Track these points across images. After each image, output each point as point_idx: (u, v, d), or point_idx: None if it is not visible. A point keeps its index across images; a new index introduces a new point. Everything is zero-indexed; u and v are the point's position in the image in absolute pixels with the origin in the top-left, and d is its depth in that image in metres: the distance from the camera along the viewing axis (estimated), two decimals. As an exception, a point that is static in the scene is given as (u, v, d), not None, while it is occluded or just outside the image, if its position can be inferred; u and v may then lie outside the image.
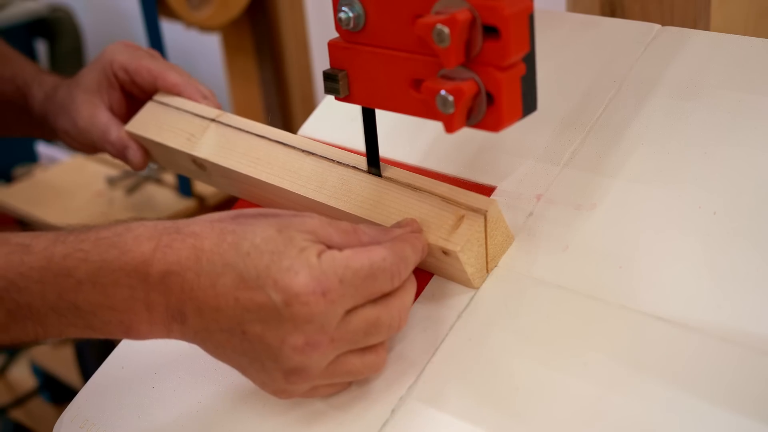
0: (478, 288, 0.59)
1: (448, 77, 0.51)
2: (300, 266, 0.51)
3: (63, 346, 1.65)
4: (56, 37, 2.19)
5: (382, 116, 0.61)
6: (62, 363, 1.63)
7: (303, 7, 1.73)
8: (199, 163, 0.72)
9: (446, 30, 0.48)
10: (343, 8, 0.55)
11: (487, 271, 0.59)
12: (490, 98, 0.50)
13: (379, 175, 0.63)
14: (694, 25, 0.78)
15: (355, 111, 0.62)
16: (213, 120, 0.73)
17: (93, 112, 0.78)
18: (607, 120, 0.64)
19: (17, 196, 1.85)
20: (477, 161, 0.66)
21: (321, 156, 0.65)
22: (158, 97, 0.77)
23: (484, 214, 0.57)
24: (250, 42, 1.76)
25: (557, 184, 0.62)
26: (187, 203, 1.75)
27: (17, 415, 1.72)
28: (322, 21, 1.76)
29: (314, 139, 0.70)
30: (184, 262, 0.52)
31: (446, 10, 0.49)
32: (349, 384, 0.57)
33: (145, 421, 0.61)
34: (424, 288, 0.61)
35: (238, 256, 0.51)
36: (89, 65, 0.81)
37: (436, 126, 0.53)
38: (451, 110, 0.50)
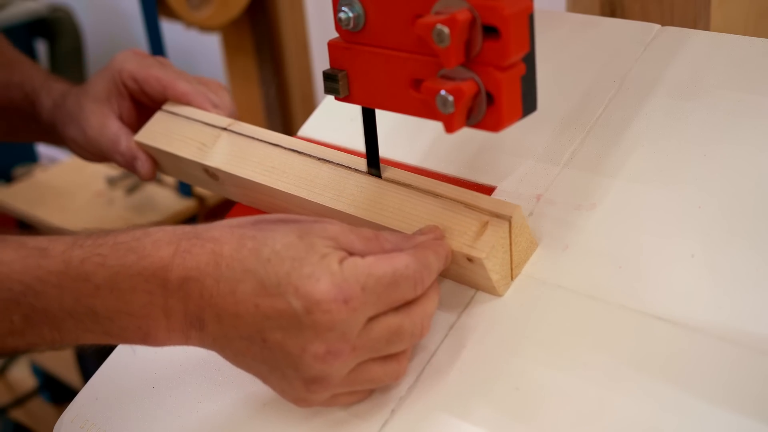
0: (502, 295, 0.58)
1: (448, 77, 0.51)
2: (321, 273, 0.50)
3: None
4: (56, 37, 2.18)
5: (382, 116, 0.61)
6: (62, 363, 1.63)
7: (303, 7, 1.73)
8: (212, 173, 0.71)
9: (446, 30, 0.48)
10: (343, 8, 0.55)
11: (512, 278, 0.59)
12: (490, 98, 0.50)
13: (378, 175, 0.63)
14: (694, 25, 0.78)
15: (355, 111, 0.62)
16: (224, 129, 0.72)
17: (102, 121, 0.78)
18: (607, 120, 0.64)
19: (17, 196, 1.85)
20: (477, 161, 0.66)
21: (337, 164, 0.65)
22: (168, 107, 0.76)
23: (508, 219, 0.56)
24: (250, 42, 1.76)
25: (557, 184, 0.62)
26: (187, 203, 1.75)
27: (17, 415, 1.71)
28: (322, 21, 1.76)
29: (328, 145, 0.70)
30: (204, 267, 0.51)
31: (446, 10, 0.49)
32: (371, 392, 0.56)
33: (145, 421, 0.61)
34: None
35: (258, 263, 0.51)
36: (98, 74, 0.80)
37: (436, 126, 0.53)
38: (451, 110, 0.50)
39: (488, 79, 0.49)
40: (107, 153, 0.78)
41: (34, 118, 0.85)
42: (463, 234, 0.56)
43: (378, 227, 0.59)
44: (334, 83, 0.58)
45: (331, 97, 0.60)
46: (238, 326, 0.51)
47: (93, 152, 0.80)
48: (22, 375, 1.76)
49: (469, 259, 0.56)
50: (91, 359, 1.49)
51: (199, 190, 1.79)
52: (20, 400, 1.70)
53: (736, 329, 0.51)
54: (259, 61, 1.76)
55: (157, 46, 1.59)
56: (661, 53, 0.66)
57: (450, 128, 0.51)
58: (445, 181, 0.63)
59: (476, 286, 0.59)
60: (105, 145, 0.77)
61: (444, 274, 0.59)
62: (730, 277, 0.53)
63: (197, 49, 2.00)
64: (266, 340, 0.51)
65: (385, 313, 0.52)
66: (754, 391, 0.49)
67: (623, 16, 0.83)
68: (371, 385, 0.54)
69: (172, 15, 1.64)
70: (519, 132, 0.61)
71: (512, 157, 0.65)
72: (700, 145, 0.60)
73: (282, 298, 0.50)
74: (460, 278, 0.59)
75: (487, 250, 0.55)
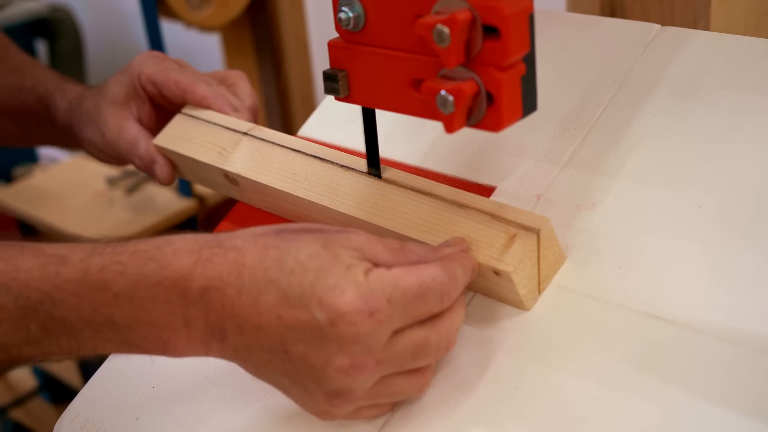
0: (529, 310, 0.57)
1: (448, 77, 0.51)
2: (346, 284, 0.49)
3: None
4: (56, 37, 2.19)
5: (382, 116, 0.61)
6: (62, 363, 1.63)
7: (303, 7, 1.73)
8: (232, 178, 0.69)
9: (446, 30, 0.48)
10: (343, 8, 0.55)
11: (539, 292, 0.57)
12: (490, 98, 0.50)
13: (378, 176, 0.63)
14: (694, 25, 0.78)
15: (355, 111, 0.62)
16: (245, 133, 0.70)
17: (121, 124, 0.76)
18: (607, 120, 0.64)
19: (17, 196, 1.85)
20: (477, 161, 0.66)
21: (360, 171, 0.63)
22: (187, 110, 0.75)
23: (536, 232, 0.55)
24: (250, 42, 1.76)
25: (557, 184, 0.62)
26: (187, 203, 1.75)
27: (17, 415, 1.72)
28: (322, 21, 1.76)
29: (329, 145, 0.70)
30: (225, 277, 0.50)
31: (446, 10, 0.49)
32: (393, 405, 0.55)
33: (145, 421, 0.61)
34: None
35: (281, 273, 0.50)
36: (116, 76, 0.79)
37: (436, 126, 0.53)
38: (451, 110, 0.50)
39: (488, 79, 0.49)
40: (126, 156, 0.76)
41: (48, 122, 0.84)
42: (490, 246, 0.55)
43: (403, 237, 0.58)
44: (334, 83, 0.58)
45: (331, 97, 0.60)
46: (260, 338, 0.50)
47: (111, 155, 0.78)
48: (22, 375, 1.76)
49: (496, 273, 0.55)
50: (91, 359, 1.49)
51: (199, 190, 1.79)
52: (20, 400, 1.70)
53: (736, 329, 0.51)
54: (259, 61, 1.76)
55: (157, 46, 1.59)
56: (661, 53, 0.66)
57: (450, 128, 0.51)
58: (445, 182, 0.63)
59: (502, 300, 0.57)
60: (124, 148, 0.76)
61: (469, 287, 0.57)
62: (730, 277, 0.53)
63: (197, 49, 2.00)
64: (288, 352, 0.49)
65: (410, 326, 0.51)
66: (755, 392, 0.49)
67: (623, 16, 0.83)
68: (395, 398, 0.53)
69: (172, 15, 1.64)
70: (519, 132, 0.61)
71: (512, 157, 0.65)
72: (700, 145, 0.60)
73: (305, 310, 0.49)
74: (485, 291, 0.58)
75: (515, 264, 0.54)
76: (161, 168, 0.75)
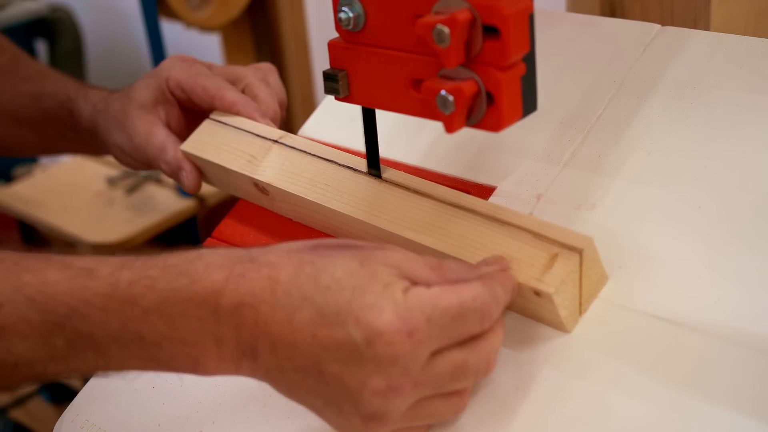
0: (570, 332, 0.55)
1: (448, 77, 0.51)
2: (385, 303, 0.47)
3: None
4: (56, 37, 2.19)
5: (382, 116, 0.61)
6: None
7: (303, 7, 1.73)
8: (261, 188, 0.68)
9: (446, 30, 0.48)
10: (343, 8, 0.55)
11: (581, 313, 0.55)
12: (490, 98, 0.50)
13: (378, 176, 0.63)
14: (694, 25, 0.78)
15: (355, 111, 0.62)
16: (276, 141, 0.68)
17: (149, 129, 0.75)
18: (607, 120, 0.64)
19: (17, 196, 1.85)
20: (477, 161, 0.66)
21: (396, 183, 0.61)
22: (215, 115, 0.73)
23: (579, 252, 0.53)
24: (250, 42, 1.76)
25: (557, 184, 0.62)
26: (187, 203, 1.75)
27: (17, 415, 1.72)
28: (322, 21, 1.77)
29: (330, 145, 0.70)
30: (259, 293, 0.48)
31: (446, 10, 0.49)
32: (428, 427, 0.53)
33: (145, 421, 0.61)
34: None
35: (317, 290, 0.48)
36: (144, 80, 0.77)
37: (436, 126, 0.53)
38: (451, 110, 0.50)
39: (488, 79, 0.49)
40: (153, 161, 0.75)
41: (71, 127, 0.83)
42: (531, 266, 0.53)
43: (442, 255, 0.56)
44: (334, 83, 0.58)
45: (331, 97, 0.60)
46: (293, 357, 0.48)
47: (139, 160, 0.77)
48: (22, 375, 1.76)
49: (537, 294, 0.53)
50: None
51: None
52: (20, 400, 1.70)
53: (736, 329, 0.51)
54: (259, 61, 1.76)
55: (157, 46, 1.59)
56: (661, 53, 0.66)
57: (450, 128, 0.51)
58: (445, 182, 0.63)
59: (542, 321, 0.55)
60: (151, 153, 0.75)
61: (507, 307, 0.55)
62: (730, 277, 0.53)
63: (197, 49, 2.00)
64: (323, 372, 0.48)
65: (449, 347, 0.49)
66: (755, 392, 0.49)
67: (623, 16, 0.83)
68: (431, 420, 0.52)
69: (172, 15, 1.64)
70: (519, 132, 0.61)
71: (512, 157, 0.65)
72: (700, 145, 0.60)
73: (342, 329, 0.47)
74: (524, 311, 0.56)
75: (557, 285, 0.52)
76: (188, 175, 0.73)
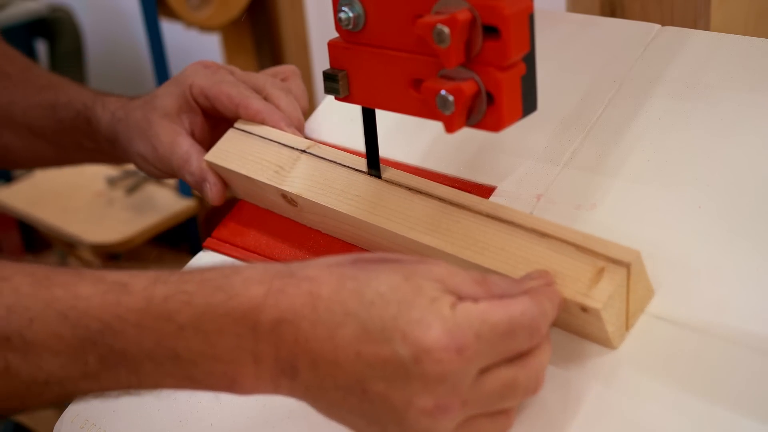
0: (617, 348, 0.53)
1: (448, 77, 0.51)
2: (432, 318, 0.45)
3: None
4: (56, 37, 2.19)
5: (382, 116, 0.61)
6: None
7: (303, 7, 1.73)
8: (290, 199, 0.66)
9: (446, 30, 0.48)
10: (343, 8, 0.55)
11: (627, 329, 0.53)
12: (490, 98, 0.50)
13: (378, 176, 0.63)
14: (694, 25, 0.78)
15: (355, 111, 0.62)
16: (303, 151, 0.67)
17: (174, 139, 0.73)
18: (607, 120, 0.64)
19: (17, 196, 1.85)
20: (477, 161, 0.66)
21: (429, 194, 0.60)
22: (240, 125, 0.72)
23: (627, 266, 0.51)
24: (250, 42, 1.76)
25: (557, 184, 0.62)
26: (187, 203, 1.75)
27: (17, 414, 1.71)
28: (322, 21, 1.77)
29: (330, 145, 0.70)
30: (299, 309, 0.47)
31: (446, 10, 0.49)
32: None
33: (145, 421, 0.61)
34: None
35: (360, 305, 0.46)
36: (166, 87, 0.76)
37: (436, 126, 0.53)
38: (451, 110, 0.50)
39: (488, 79, 0.49)
40: (177, 172, 0.74)
41: (89, 137, 0.81)
42: (576, 281, 0.51)
43: (482, 270, 0.54)
44: (334, 83, 0.58)
45: (331, 97, 0.60)
46: (335, 375, 0.46)
47: (162, 169, 0.76)
48: (22, 375, 1.76)
49: (583, 309, 0.51)
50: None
51: (199, 190, 1.78)
52: (20, 400, 1.70)
53: (736, 329, 0.51)
54: (259, 61, 1.76)
55: (157, 46, 1.59)
56: (661, 53, 0.66)
57: (450, 128, 0.51)
58: (445, 182, 0.63)
59: (587, 337, 0.54)
60: (176, 164, 0.73)
61: (553, 324, 0.53)
62: (730, 277, 0.53)
63: (197, 49, 2.00)
64: (367, 391, 0.46)
65: (498, 364, 0.47)
66: (755, 392, 0.49)
67: (623, 16, 0.83)
68: None
69: (172, 15, 1.64)
70: (519, 132, 0.61)
71: (512, 157, 0.65)
72: (700, 145, 0.60)
73: (387, 345, 0.45)
74: (568, 327, 0.54)
75: (604, 300, 0.50)
76: (212, 187, 0.71)
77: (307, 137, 0.71)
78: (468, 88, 0.49)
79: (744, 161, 0.58)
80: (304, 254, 0.67)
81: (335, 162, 0.65)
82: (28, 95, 0.84)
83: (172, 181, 1.80)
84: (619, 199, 0.60)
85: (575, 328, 0.54)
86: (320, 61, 1.75)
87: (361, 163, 0.63)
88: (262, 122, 0.71)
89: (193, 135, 0.74)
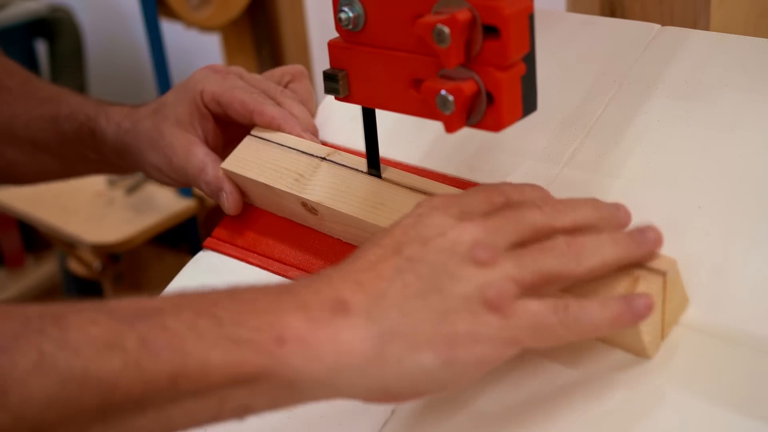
0: (652, 358, 0.52)
1: (448, 77, 0.51)
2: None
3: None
4: (56, 37, 2.19)
5: (382, 116, 0.61)
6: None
7: (303, 7, 1.73)
8: (310, 207, 0.65)
9: (446, 30, 0.48)
10: (343, 8, 0.55)
11: (662, 338, 0.52)
12: (490, 98, 0.50)
13: (378, 176, 0.63)
14: (694, 25, 0.78)
15: (355, 111, 0.62)
16: (324, 159, 0.66)
17: (188, 149, 0.72)
18: (607, 120, 0.64)
19: (17, 196, 1.85)
20: (477, 161, 0.66)
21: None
22: (257, 132, 0.70)
23: (662, 275, 0.50)
24: (250, 42, 1.76)
25: (557, 184, 0.62)
26: (187, 203, 1.75)
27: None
28: (322, 21, 1.77)
29: (330, 145, 0.69)
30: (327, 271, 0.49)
31: (446, 10, 0.49)
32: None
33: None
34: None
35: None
36: (176, 94, 0.74)
37: (436, 126, 0.53)
38: (451, 110, 0.50)
39: (488, 78, 0.49)
40: (193, 181, 0.73)
41: (93, 148, 0.80)
42: (611, 290, 0.51)
43: None
44: (334, 83, 0.58)
45: (331, 97, 0.60)
46: (380, 274, 0.48)
47: (177, 179, 0.75)
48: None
49: None
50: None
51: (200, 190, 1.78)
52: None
53: (736, 329, 0.51)
54: (259, 61, 1.76)
55: (157, 46, 1.59)
56: (661, 53, 0.66)
57: (450, 128, 0.51)
58: (445, 182, 0.63)
59: (622, 347, 0.52)
60: (191, 173, 0.72)
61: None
62: (730, 277, 0.53)
63: (197, 49, 2.00)
64: (410, 258, 0.48)
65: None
66: (755, 392, 0.49)
67: (623, 16, 0.83)
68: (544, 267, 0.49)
69: (172, 15, 1.64)
70: (519, 132, 0.61)
71: (512, 157, 0.65)
72: (700, 145, 0.60)
73: (407, 218, 0.51)
74: (603, 337, 0.53)
75: None
76: (228, 196, 0.70)
77: (323, 143, 0.71)
78: (468, 88, 0.49)
79: (744, 161, 0.58)
80: (303, 254, 0.67)
81: (356, 169, 0.64)
82: (29, 108, 0.83)
83: (172, 181, 1.80)
84: (619, 199, 0.60)
85: (608, 338, 0.53)
86: (320, 61, 1.76)
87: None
88: (278, 129, 0.70)
89: (206, 142, 0.73)
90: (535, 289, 0.48)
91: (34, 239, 2.18)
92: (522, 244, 0.49)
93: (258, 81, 0.75)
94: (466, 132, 0.53)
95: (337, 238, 0.66)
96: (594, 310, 0.48)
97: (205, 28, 1.69)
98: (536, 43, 0.50)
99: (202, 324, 0.45)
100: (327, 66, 0.59)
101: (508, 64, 0.49)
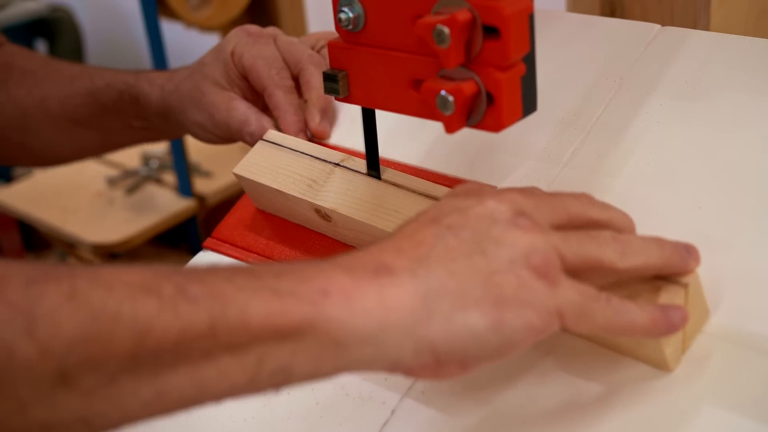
0: (673, 371, 0.51)
1: (448, 77, 0.51)
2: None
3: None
4: (56, 37, 2.19)
5: (382, 116, 0.61)
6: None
7: (303, 7, 1.73)
8: (323, 214, 0.64)
9: (446, 30, 0.48)
10: (343, 8, 0.55)
11: (683, 351, 0.52)
12: (490, 98, 0.50)
13: (378, 177, 0.63)
14: (694, 25, 0.78)
15: (355, 111, 0.62)
16: (337, 164, 0.65)
17: (229, 104, 0.75)
18: (607, 120, 0.64)
19: (17, 196, 1.85)
20: (477, 161, 0.66)
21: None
22: (269, 136, 0.70)
23: (684, 286, 0.50)
24: (250, 42, 1.76)
25: (557, 184, 0.62)
26: (187, 203, 1.76)
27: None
28: (322, 21, 1.76)
29: (330, 146, 0.70)
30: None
31: (446, 10, 0.49)
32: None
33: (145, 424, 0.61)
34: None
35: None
36: (211, 54, 0.78)
37: (436, 126, 0.53)
38: (451, 110, 0.50)
39: (488, 79, 0.49)
40: (236, 134, 0.75)
41: (137, 115, 0.82)
42: (632, 300, 0.49)
43: None
44: (334, 83, 0.58)
45: (330, 98, 0.60)
46: (421, 240, 0.46)
47: (220, 135, 0.77)
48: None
49: None
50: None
51: (200, 189, 1.79)
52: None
53: (736, 329, 0.51)
54: (259, 61, 1.76)
55: (157, 46, 1.59)
56: (661, 53, 0.66)
57: (450, 129, 0.51)
58: (445, 182, 0.63)
59: (642, 359, 0.52)
60: (234, 127, 0.75)
61: (604, 344, 0.53)
62: (730, 277, 0.53)
63: (197, 49, 2.00)
64: (450, 226, 0.47)
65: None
66: (755, 392, 0.49)
67: (623, 16, 0.83)
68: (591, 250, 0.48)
69: (172, 15, 1.64)
70: (519, 132, 0.61)
71: (512, 157, 0.65)
72: (701, 144, 0.60)
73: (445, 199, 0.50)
74: (622, 349, 0.53)
75: None
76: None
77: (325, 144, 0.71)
78: (468, 88, 0.49)
79: (744, 161, 0.58)
80: (303, 255, 0.67)
81: (371, 175, 0.64)
82: (60, 87, 0.84)
83: (172, 181, 1.80)
84: (619, 199, 0.60)
85: (629, 350, 0.52)
86: (320, 61, 1.75)
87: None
88: (277, 118, 0.72)
89: (246, 98, 0.76)
90: (576, 273, 0.47)
91: (34, 239, 2.18)
92: (562, 227, 0.49)
93: (290, 45, 0.76)
94: (466, 132, 0.53)
95: (350, 245, 0.66)
96: (634, 310, 0.48)
97: (205, 28, 1.69)
98: (536, 43, 0.50)
99: (240, 278, 0.43)
100: (327, 66, 0.59)
101: (508, 64, 0.49)
